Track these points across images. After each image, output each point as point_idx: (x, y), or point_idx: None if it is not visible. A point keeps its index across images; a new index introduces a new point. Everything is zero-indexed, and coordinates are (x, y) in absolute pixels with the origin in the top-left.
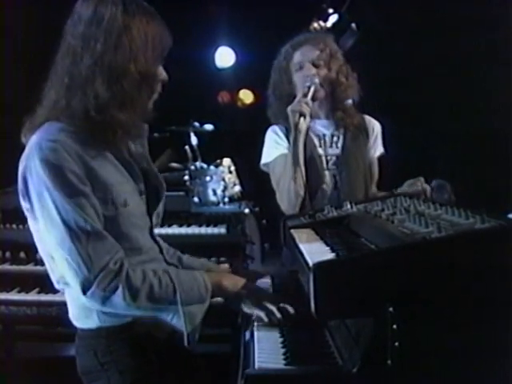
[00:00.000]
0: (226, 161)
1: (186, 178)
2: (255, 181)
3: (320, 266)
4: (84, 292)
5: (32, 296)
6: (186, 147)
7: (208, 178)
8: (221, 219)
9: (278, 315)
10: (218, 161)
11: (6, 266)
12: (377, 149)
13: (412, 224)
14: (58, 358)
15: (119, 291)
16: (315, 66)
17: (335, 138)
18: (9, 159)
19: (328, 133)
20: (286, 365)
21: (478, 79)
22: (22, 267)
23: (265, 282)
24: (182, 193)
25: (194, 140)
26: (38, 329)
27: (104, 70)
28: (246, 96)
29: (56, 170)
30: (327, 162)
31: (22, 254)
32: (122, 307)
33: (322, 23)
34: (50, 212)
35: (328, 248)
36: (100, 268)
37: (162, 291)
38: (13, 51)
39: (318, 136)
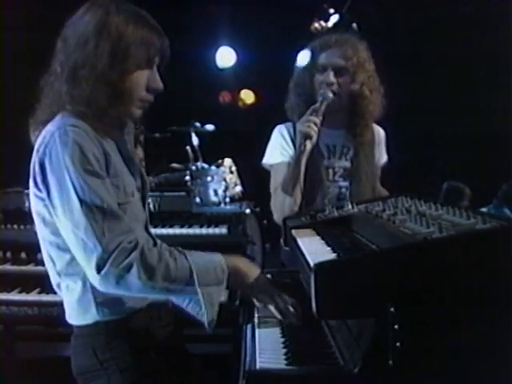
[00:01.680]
0: (227, 161)
1: (187, 178)
2: (256, 181)
3: (321, 266)
4: (98, 271)
5: (33, 296)
6: (187, 147)
7: (209, 179)
8: (222, 219)
9: (292, 311)
10: (219, 161)
11: (7, 267)
12: (381, 157)
13: (413, 224)
14: (59, 358)
15: (134, 270)
16: (337, 73)
17: (345, 150)
18: (9, 160)
19: (339, 144)
20: (287, 365)
21: (478, 79)
22: (22, 267)
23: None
24: (183, 193)
25: (195, 140)
26: (39, 329)
27: (70, 65)
28: (247, 96)
29: (80, 151)
30: (334, 174)
31: (23, 255)
32: (136, 287)
33: (322, 23)
34: (69, 193)
35: (329, 248)
36: (115, 246)
37: (178, 271)
38: (13, 51)
39: (327, 147)
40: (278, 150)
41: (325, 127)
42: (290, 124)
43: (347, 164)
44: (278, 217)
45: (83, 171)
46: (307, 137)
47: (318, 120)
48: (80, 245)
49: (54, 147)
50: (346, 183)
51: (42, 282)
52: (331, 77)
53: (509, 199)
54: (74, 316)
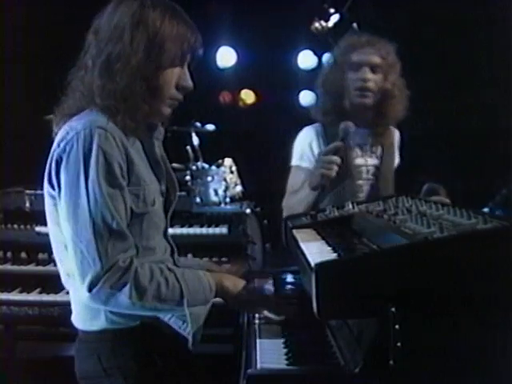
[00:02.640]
0: (228, 161)
1: (188, 178)
2: (256, 181)
3: (322, 266)
4: (90, 288)
5: (33, 296)
6: (188, 147)
7: (209, 178)
8: (222, 219)
9: (277, 318)
10: (220, 161)
11: (8, 266)
12: (397, 158)
13: (414, 224)
14: (59, 357)
15: (126, 289)
16: (373, 71)
17: (374, 148)
18: (9, 160)
19: (368, 142)
20: (287, 365)
21: (478, 79)
22: (23, 267)
23: (267, 282)
24: (183, 193)
25: (195, 140)
26: (40, 329)
27: (103, 59)
28: (248, 96)
29: (104, 157)
30: (367, 172)
31: (24, 254)
32: (125, 306)
33: (323, 23)
34: (80, 201)
35: (330, 248)
36: (110, 265)
37: (169, 291)
38: (13, 51)
39: (359, 145)
40: (302, 153)
41: (356, 126)
42: (317, 127)
43: (377, 162)
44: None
45: (104, 180)
46: (328, 178)
47: (339, 160)
48: (78, 256)
49: (74, 147)
50: (376, 181)
51: (43, 282)
52: (368, 73)
53: (507, 204)
54: (81, 320)
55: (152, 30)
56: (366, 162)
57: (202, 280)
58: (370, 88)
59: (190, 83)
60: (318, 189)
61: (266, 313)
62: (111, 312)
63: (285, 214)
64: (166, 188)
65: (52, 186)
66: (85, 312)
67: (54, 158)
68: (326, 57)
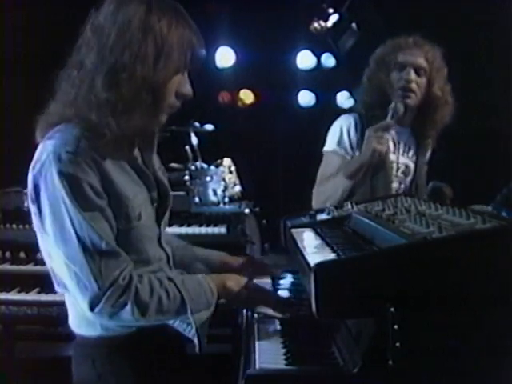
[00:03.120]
0: (227, 161)
1: (187, 177)
2: (255, 181)
3: (321, 266)
4: (92, 308)
5: (32, 296)
6: (187, 147)
7: (208, 178)
8: (221, 219)
9: (278, 316)
10: (219, 161)
11: (6, 266)
12: (425, 166)
13: (413, 224)
14: (58, 358)
15: (128, 307)
16: (417, 73)
17: (407, 148)
18: (8, 159)
19: (402, 141)
20: (286, 365)
21: (478, 79)
22: (22, 267)
23: (265, 282)
24: (182, 193)
25: (194, 140)
26: (39, 329)
27: (107, 67)
28: (247, 96)
29: (74, 183)
30: (397, 169)
31: (22, 254)
32: (130, 321)
33: (322, 23)
34: (65, 226)
35: (329, 248)
36: (109, 284)
37: (171, 302)
38: (13, 51)
39: (393, 141)
40: (338, 140)
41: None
42: (355, 115)
43: (408, 161)
44: (323, 202)
45: (80, 208)
46: (380, 154)
47: (390, 137)
48: (73, 278)
49: (49, 172)
50: (405, 180)
51: (42, 282)
52: (412, 75)
53: (508, 203)
54: (77, 325)
55: (160, 39)
56: (397, 159)
57: (203, 285)
58: (413, 89)
59: (189, 90)
60: (365, 168)
61: (267, 310)
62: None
63: (315, 201)
64: (158, 194)
65: (34, 204)
66: (80, 319)
67: (32, 181)
68: (326, 58)
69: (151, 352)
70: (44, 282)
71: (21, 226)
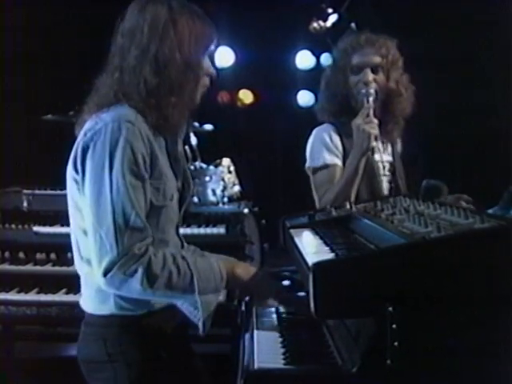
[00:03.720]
0: (226, 161)
1: None
2: (255, 181)
3: (319, 265)
4: (105, 273)
5: (31, 296)
6: (186, 147)
7: (207, 178)
8: (220, 219)
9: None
10: (218, 161)
11: (6, 266)
12: None
13: (411, 224)
14: (57, 358)
15: (138, 275)
16: (374, 72)
17: (385, 145)
18: (7, 160)
19: (380, 140)
20: (285, 364)
21: (478, 79)
22: (21, 267)
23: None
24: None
25: (193, 140)
26: (38, 329)
27: (150, 58)
28: (246, 96)
29: (131, 150)
30: (383, 168)
31: (22, 254)
32: (137, 292)
33: (321, 23)
34: (103, 188)
35: (327, 248)
36: (125, 252)
37: (180, 279)
38: (14, 51)
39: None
40: (324, 151)
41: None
42: (330, 126)
43: (390, 158)
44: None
45: (128, 171)
46: (375, 137)
47: (376, 120)
48: (97, 241)
49: (101, 137)
50: (393, 178)
51: (41, 282)
52: (370, 75)
53: None
54: (90, 304)
55: (187, 27)
56: (381, 158)
57: (214, 268)
58: (373, 90)
59: (214, 70)
60: (366, 155)
61: (273, 302)
62: (120, 298)
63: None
64: (182, 185)
65: (76, 171)
66: (95, 296)
67: (81, 146)
68: (325, 58)
69: (160, 336)
70: (43, 283)
71: (20, 226)
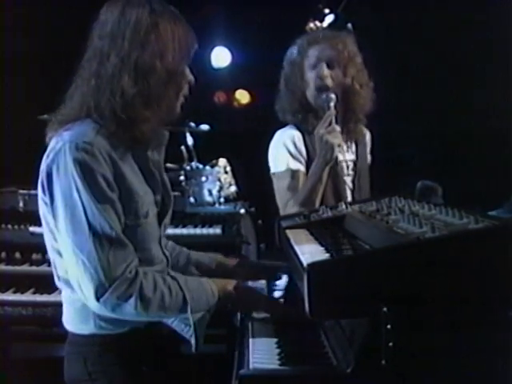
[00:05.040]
0: (222, 161)
1: (182, 178)
2: (251, 181)
3: (314, 266)
4: (97, 298)
5: (27, 296)
6: (182, 147)
7: (204, 179)
8: (216, 219)
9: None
10: (214, 161)
11: (2, 267)
12: (369, 157)
13: (406, 224)
14: (53, 358)
15: (132, 300)
16: (330, 67)
17: (349, 143)
18: (3, 160)
19: (343, 139)
20: (280, 365)
21: (478, 79)
22: (17, 267)
23: (259, 283)
24: (177, 193)
25: (189, 140)
26: (34, 329)
27: (130, 67)
28: (242, 96)
29: (89, 173)
30: (347, 168)
31: (18, 255)
32: (131, 315)
33: (318, 23)
34: (76, 213)
35: (322, 248)
36: (117, 275)
37: (173, 300)
38: (12, 51)
39: None
40: (288, 156)
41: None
42: (292, 128)
43: (353, 157)
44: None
45: (93, 197)
46: (338, 146)
47: (338, 128)
48: (80, 266)
49: (63, 160)
50: (354, 177)
51: (37, 282)
52: (325, 70)
53: None
54: (71, 322)
55: (170, 33)
56: (344, 157)
57: (205, 286)
58: (329, 85)
59: (192, 77)
60: (330, 163)
61: (260, 314)
62: (100, 318)
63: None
64: (161, 197)
65: (44, 194)
66: (74, 315)
67: (45, 169)
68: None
69: (143, 352)
70: (39, 283)
71: (16, 227)
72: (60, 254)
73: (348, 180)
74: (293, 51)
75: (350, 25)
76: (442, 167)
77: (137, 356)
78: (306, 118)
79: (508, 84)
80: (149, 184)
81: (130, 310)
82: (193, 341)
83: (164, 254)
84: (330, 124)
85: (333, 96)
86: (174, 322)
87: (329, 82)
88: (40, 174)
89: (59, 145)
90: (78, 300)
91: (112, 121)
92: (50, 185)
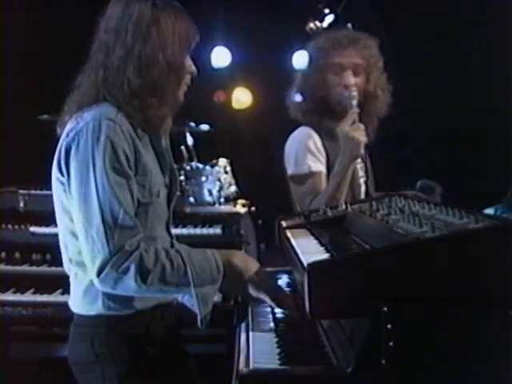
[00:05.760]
0: (222, 161)
1: (182, 178)
2: (251, 181)
3: (314, 265)
4: (99, 273)
5: (27, 296)
6: (182, 147)
7: (204, 178)
8: (216, 220)
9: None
10: (214, 161)
11: (2, 267)
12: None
13: (406, 224)
14: (53, 358)
15: (131, 272)
16: (355, 73)
17: None
18: (3, 160)
19: None
20: (280, 365)
21: (478, 79)
22: (17, 267)
23: None
24: (177, 193)
25: (189, 140)
26: (34, 329)
27: (134, 59)
28: (242, 96)
29: (112, 147)
30: (361, 169)
31: (18, 255)
32: (132, 289)
33: (317, 23)
34: (89, 189)
35: (323, 248)
36: (116, 250)
37: (174, 273)
38: (13, 51)
39: None
40: (308, 157)
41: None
42: (309, 129)
43: (362, 161)
44: None
45: (111, 169)
46: (364, 144)
47: (363, 126)
48: (89, 241)
49: (83, 137)
50: (366, 179)
51: (37, 283)
52: (351, 79)
53: None
54: (79, 304)
55: (171, 26)
56: (359, 159)
57: (210, 259)
58: (354, 92)
59: (195, 68)
60: (356, 160)
61: (266, 299)
62: (108, 298)
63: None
64: (169, 180)
65: (61, 173)
66: (83, 296)
67: (64, 147)
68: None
69: (149, 335)
70: (39, 283)
71: (16, 227)
72: (73, 235)
73: (362, 181)
74: (314, 52)
75: (349, 25)
76: (442, 167)
77: (143, 338)
78: (320, 120)
79: (508, 84)
80: (160, 165)
81: (129, 283)
82: (198, 317)
83: (169, 233)
84: (354, 122)
85: (355, 94)
86: (184, 298)
87: (354, 89)
88: (57, 154)
89: (80, 124)
90: (86, 280)
91: (127, 104)
92: (68, 162)
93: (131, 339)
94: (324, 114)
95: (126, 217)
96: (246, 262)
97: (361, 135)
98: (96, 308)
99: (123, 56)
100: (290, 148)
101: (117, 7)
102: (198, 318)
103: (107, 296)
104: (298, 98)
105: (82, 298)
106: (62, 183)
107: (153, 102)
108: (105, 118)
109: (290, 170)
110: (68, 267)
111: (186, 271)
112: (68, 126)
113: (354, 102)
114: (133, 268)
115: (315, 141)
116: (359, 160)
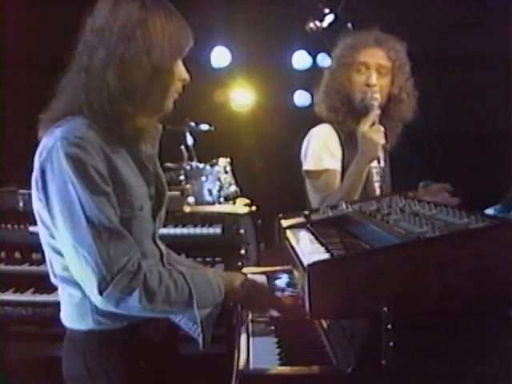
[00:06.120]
0: (222, 161)
1: (182, 177)
2: (251, 181)
3: (315, 265)
4: (100, 292)
5: (27, 296)
6: (182, 147)
7: (204, 178)
8: (216, 219)
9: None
10: (214, 160)
11: (1, 266)
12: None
13: (407, 224)
14: (53, 358)
15: (136, 293)
16: (380, 73)
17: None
18: (2, 159)
19: None
20: (280, 365)
21: (478, 79)
22: (17, 267)
23: (261, 278)
24: (177, 192)
25: (189, 140)
26: (33, 329)
27: (116, 61)
28: (242, 96)
29: (82, 167)
30: (377, 174)
31: (17, 254)
32: (136, 309)
33: (317, 23)
34: (73, 207)
35: (323, 248)
36: (118, 269)
37: (178, 294)
38: (12, 51)
39: None
40: (325, 154)
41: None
42: (328, 126)
43: (382, 164)
44: None
45: (88, 190)
46: (382, 146)
47: (383, 128)
48: (81, 261)
49: (56, 156)
50: (382, 183)
51: (37, 282)
52: (374, 78)
53: None
54: (69, 319)
55: (159, 28)
56: (375, 163)
57: (212, 282)
58: (376, 94)
59: (187, 75)
60: (373, 161)
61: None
62: (98, 313)
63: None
64: (155, 191)
65: (39, 191)
66: (72, 312)
67: (39, 168)
68: (321, 58)
69: (142, 348)
70: (39, 283)
71: (16, 226)
72: (56, 252)
73: (376, 186)
74: (342, 49)
75: (349, 24)
76: (442, 167)
77: (136, 352)
78: (344, 119)
79: (508, 84)
80: (143, 177)
81: (134, 304)
82: (200, 339)
83: (158, 247)
84: (374, 123)
85: (377, 96)
86: (181, 321)
87: (377, 89)
88: (34, 172)
89: (51, 142)
90: (76, 296)
91: (101, 115)
92: (45, 183)
93: (124, 354)
94: (348, 113)
95: (117, 231)
96: (246, 284)
97: (379, 137)
98: (86, 323)
99: (105, 58)
100: (308, 143)
101: (105, 6)
102: (201, 340)
103: (97, 311)
104: (323, 95)
105: (71, 313)
106: (41, 200)
107: (130, 112)
108: (73, 136)
109: (305, 165)
110: (54, 281)
111: (190, 293)
112: (42, 142)
113: (376, 103)
114: (137, 289)
115: (333, 139)
116: (375, 163)
